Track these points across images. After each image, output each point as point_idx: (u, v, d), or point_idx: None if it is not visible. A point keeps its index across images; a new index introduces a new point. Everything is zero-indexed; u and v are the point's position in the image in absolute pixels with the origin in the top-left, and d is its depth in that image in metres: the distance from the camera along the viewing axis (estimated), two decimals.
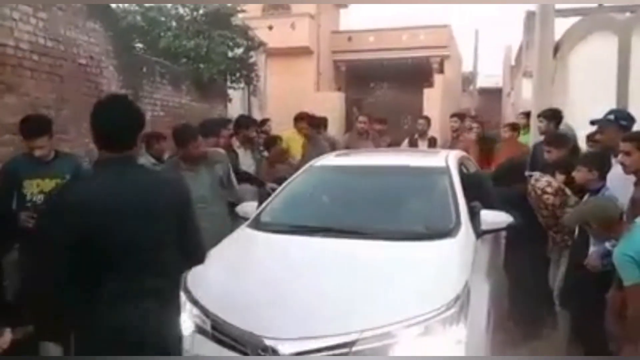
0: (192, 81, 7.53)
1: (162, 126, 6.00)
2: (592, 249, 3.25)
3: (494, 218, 3.44)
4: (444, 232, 3.18)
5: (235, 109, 9.15)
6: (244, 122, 5.30)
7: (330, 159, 4.54)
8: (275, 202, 3.92)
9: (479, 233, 3.30)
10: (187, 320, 2.72)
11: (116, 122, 1.87)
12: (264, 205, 3.89)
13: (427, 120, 6.94)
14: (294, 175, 4.19)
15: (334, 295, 2.62)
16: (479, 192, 3.73)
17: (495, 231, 3.48)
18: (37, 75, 4.39)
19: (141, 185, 1.92)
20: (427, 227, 3.32)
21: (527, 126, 6.48)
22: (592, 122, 3.84)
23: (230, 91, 8.95)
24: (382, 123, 7.04)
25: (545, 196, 3.71)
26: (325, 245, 3.19)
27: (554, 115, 4.76)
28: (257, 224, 3.62)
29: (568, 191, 3.70)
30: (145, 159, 4.47)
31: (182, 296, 2.84)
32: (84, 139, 4.97)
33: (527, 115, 6.54)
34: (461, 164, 4.26)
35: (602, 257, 3.11)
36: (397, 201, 3.65)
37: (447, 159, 4.11)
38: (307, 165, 4.31)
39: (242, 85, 8.85)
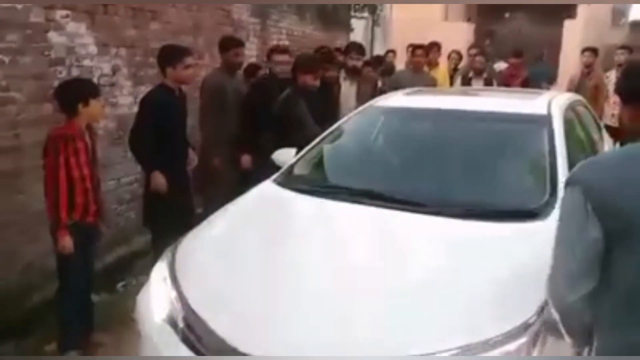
0: (316, 10, 7.67)
1: None
2: None
3: None
4: (531, 211, 2.31)
5: (357, 39, 9.19)
6: (353, 50, 4.96)
7: (396, 98, 3.56)
8: (317, 151, 3.12)
9: None
10: (163, 303, 2.08)
11: None
12: (302, 152, 3.08)
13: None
14: (347, 117, 3.40)
15: (364, 303, 1.84)
16: None
17: None
18: (177, 4, 4.82)
19: None
20: (508, 201, 2.44)
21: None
22: None
23: (353, 21, 8.98)
24: (518, 56, 6.64)
25: None
26: (367, 219, 2.40)
27: None
28: (287, 179, 2.86)
29: None
30: None
31: (165, 270, 2.24)
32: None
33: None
34: (570, 110, 3.32)
35: None
36: (472, 162, 2.78)
37: (551, 104, 3.09)
38: (365, 105, 3.45)
39: (365, 14, 8.82)
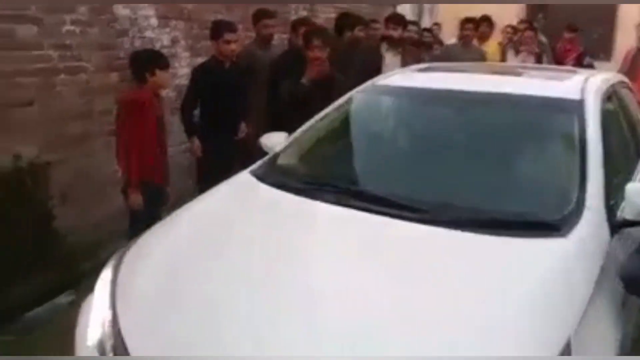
0: None
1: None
2: None
3: None
4: (550, 224, 1.83)
5: (404, 12, 9.11)
6: (392, 21, 4.94)
7: (401, 77, 3.10)
8: (307, 138, 2.68)
9: (618, 225, 1.90)
10: (98, 322, 1.75)
11: None
12: (289, 139, 2.68)
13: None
14: (344, 97, 2.87)
15: (345, 340, 1.44)
16: None
17: None
18: None
19: None
20: (522, 210, 1.95)
21: None
22: None
23: None
24: (572, 31, 6.45)
25: None
26: (354, 228, 1.94)
27: None
28: (268, 171, 2.43)
29: None
30: None
31: (109, 277, 1.91)
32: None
33: None
34: (611, 94, 2.73)
35: None
36: (484, 157, 2.32)
37: (586, 86, 2.56)
38: (368, 83, 2.96)
39: None
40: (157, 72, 3.06)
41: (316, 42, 3.60)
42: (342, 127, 2.82)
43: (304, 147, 2.67)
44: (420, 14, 10.61)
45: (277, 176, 2.33)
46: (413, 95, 2.79)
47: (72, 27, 3.44)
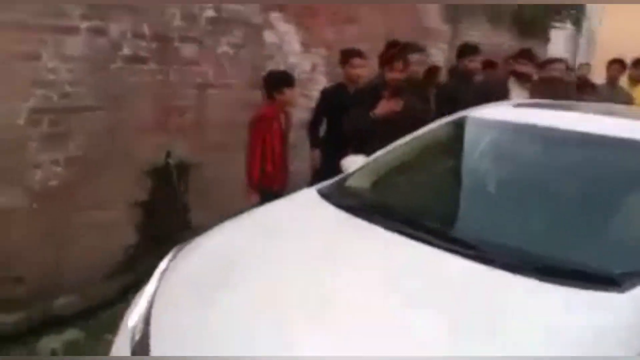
0: (511, 18, 7.58)
1: None
2: None
3: None
4: (608, 278, 1.67)
5: (556, 50, 8.80)
6: (522, 57, 4.86)
7: (495, 110, 2.90)
8: (384, 160, 2.65)
9: None
10: (138, 309, 1.86)
11: None
12: (365, 162, 2.66)
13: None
14: (431, 125, 2.83)
15: None
16: None
17: None
18: (373, 7, 5.28)
19: None
20: (582, 259, 1.80)
21: None
22: None
23: (555, 32, 8.63)
24: None
25: None
26: (400, 255, 1.88)
27: None
28: (335, 191, 2.39)
29: None
30: None
31: (163, 266, 2.04)
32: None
33: None
34: None
35: None
36: (556, 201, 2.19)
37: None
38: (460, 114, 2.83)
39: (568, 25, 8.43)
40: (285, 90, 3.43)
41: (396, 64, 3.67)
42: (418, 156, 2.74)
43: (374, 171, 2.61)
44: (575, 53, 10.16)
45: (340, 197, 2.31)
46: (499, 129, 2.66)
47: (226, 49, 3.99)
